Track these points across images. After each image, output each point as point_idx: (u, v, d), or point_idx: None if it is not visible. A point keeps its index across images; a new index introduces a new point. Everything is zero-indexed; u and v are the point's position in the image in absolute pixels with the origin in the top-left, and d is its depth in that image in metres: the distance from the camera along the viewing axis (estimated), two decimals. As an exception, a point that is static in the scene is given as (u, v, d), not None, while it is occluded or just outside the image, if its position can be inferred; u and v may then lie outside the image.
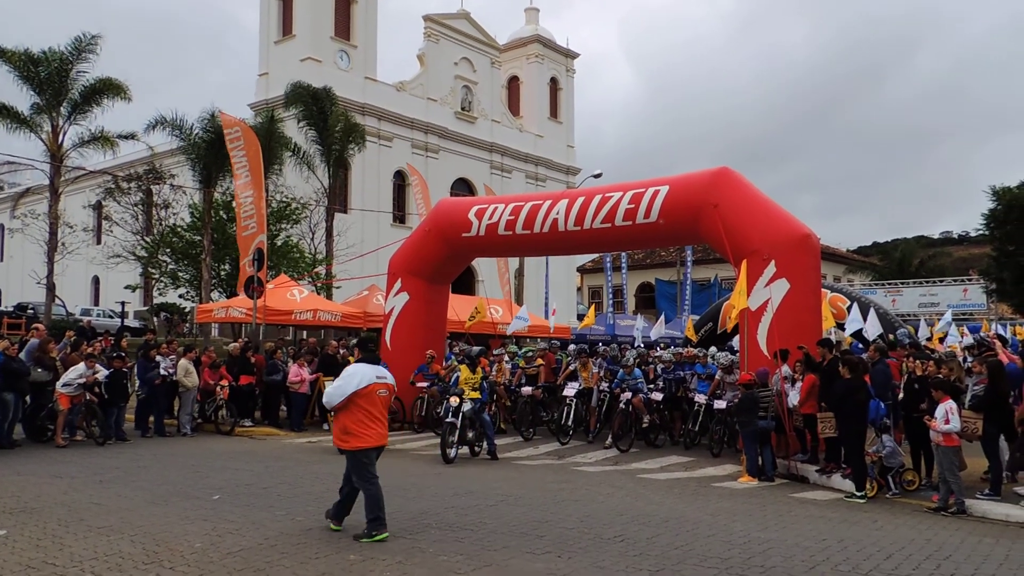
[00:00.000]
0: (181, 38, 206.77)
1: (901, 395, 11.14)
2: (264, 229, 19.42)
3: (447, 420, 11.93)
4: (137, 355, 15.23)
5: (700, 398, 13.74)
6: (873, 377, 10.74)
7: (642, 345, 22.40)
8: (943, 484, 9.13)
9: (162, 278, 30.10)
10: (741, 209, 12.86)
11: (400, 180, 43.00)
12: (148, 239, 31.44)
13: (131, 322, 34.55)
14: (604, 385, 14.76)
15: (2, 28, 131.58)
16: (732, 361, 13.42)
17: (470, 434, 12.12)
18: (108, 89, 25.99)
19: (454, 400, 11.99)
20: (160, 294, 32.24)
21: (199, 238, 27.66)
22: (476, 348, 13.96)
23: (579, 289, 61.13)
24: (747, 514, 8.54)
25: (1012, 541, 7.63)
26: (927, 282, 43.61)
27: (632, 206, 13.81)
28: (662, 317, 28.92)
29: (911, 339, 15.64)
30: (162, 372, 14.40)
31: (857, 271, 57.31)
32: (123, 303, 34.49)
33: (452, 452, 11.68)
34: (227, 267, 27.85)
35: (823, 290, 15.58)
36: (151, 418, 14.51)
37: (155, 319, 33.87)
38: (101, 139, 26.77)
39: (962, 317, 35.39)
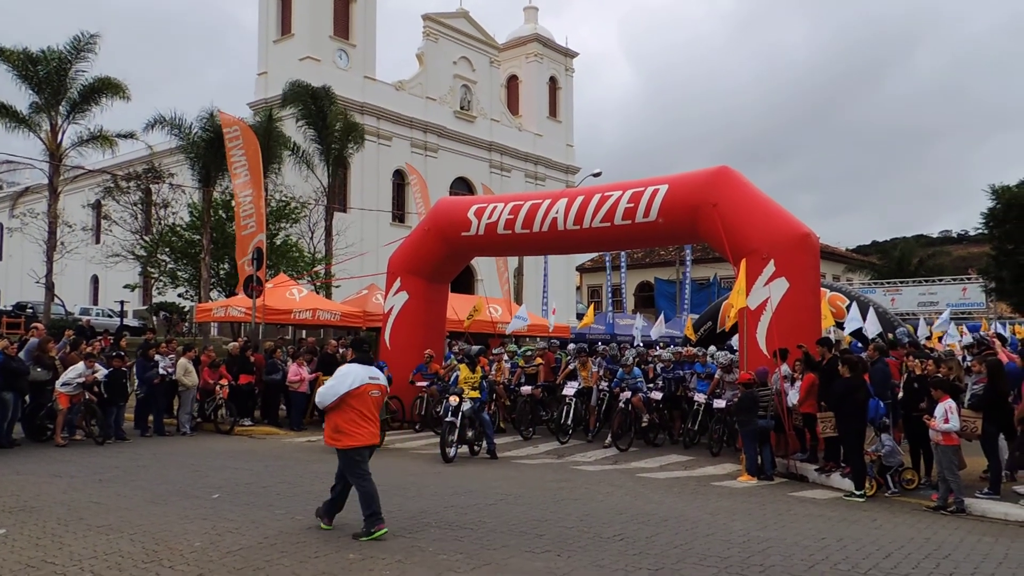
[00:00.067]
0: (180, 37, 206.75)
1: (900, 394, 11.15)
2: (263, 228, 19.41)
3: (447, 419, 11.93)
4: (136, 354, 15.22)
5: (699, 397, 13.75)
6: (872, 376, 10.75)
7: (641, 344, 22.41)
8: (942, 483, 9.14)
9: (161, 277, 30.08)
10: (740, 208, 12.86)
11: (399, 179, 43.01)
12: (147, 238, 31.43)
13: (130, 321, 34.55)
14: (603, 384, 14.77)
15: (2, 28, 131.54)
16: (731, 360, 13.43)
17: (469, 433, 12.13)
18: (107, 88, 25.97)
19: (454, 399, 11.99)
20: (159, 293, 32.24)
21: (198, 237, 27.65)
22: (475, 347, 13.96)
23: (578, 288, 61.16)
24: (746, 513, 8.55)
25: (1011, 540, 7.63)
26: (926, 281, 43.64)
27: (631, 205, 13.82)
28: (661, 316, 28.94)
29: (910, 338, 15.65)
30: (161, 371, 14.40)
31: (856, 270, 57.34)
32: (122, 302, 34.49)
33: (452, 451, 11.68)
34: (226, 266, 27.83)
35: (822, 289, 15.59)
36: (150, 417, 14.50)
37: (154, 318, 33.86)
38: (100, 138, 26.75)
39: (961, 316, 35.44)
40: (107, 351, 14.67)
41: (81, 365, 12.94)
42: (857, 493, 9.63)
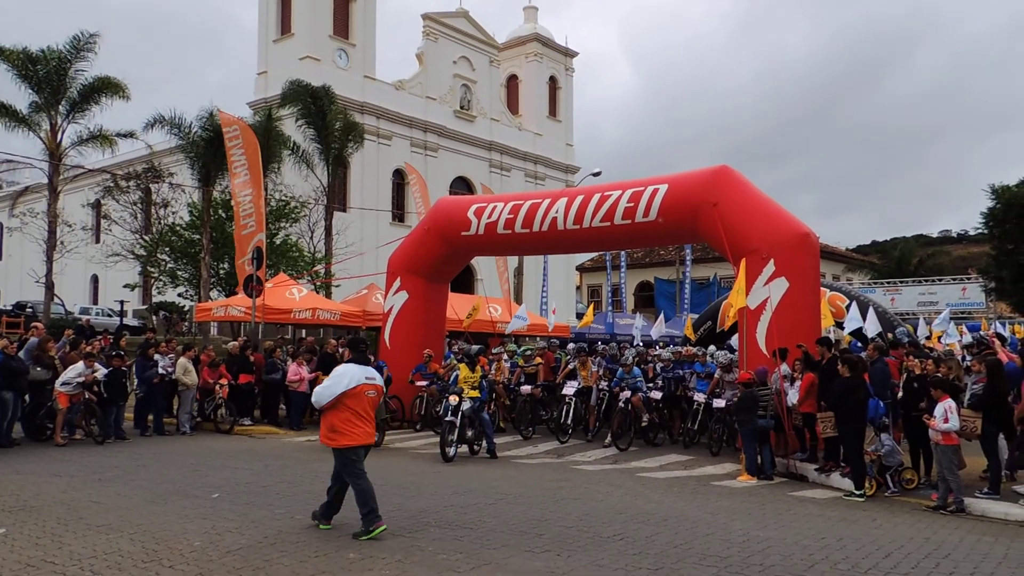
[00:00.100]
0: (180, 37, 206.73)
1: (900, 394, 11.15)
2: (263, 228, 19.41)
3: (446, 419, 11.93)
4: (136, 354, 15.22)
5: (699, 397, 13.75)
6: (872, 376, 10.75)
7: (641, 344, 22.41)
8: (942, 483, 9.14)
9: (161, 277, 30.08)
10: (740, 208, 12.86)
11: (399, 179, 43.00)
12: (147, 238, 31.42)
13: (130, 321, 34.54)
14: (603, 384, 14.77)
15: (2, 28, 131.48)
16: (731, 360, 13.43)
17: (469, 433, 12.13)
18: (106, 88, 25.97)
19: (453, 399, 11.99)
20: (159, 293, 32.23)
21: (198, 237, 27.65)
22: (475, 347, 13.96)
23: (578, 288, 61.16)
24: (746, 512, 8.55)
25: (1011, 539, 7.63)
26: (926, 281, 43.66)
27: (631, 205, 13.81)
28: (662, 316, 28.94)
29: (910, 338, 15.65)
30: (160, 371, 14.40)
31: (856, 270, 57.37)
32: (122, 302, 34.48)
33: (451, 451, 11.68)
34: (226, 266, 27.83)
35: (822, 289, 15.58)
36: (150, 417, 14.49)
37: (154, 318, 33.85)
38: (100, 138, 26.76)
39: (961, 316, 35.44)
40: (107, 351, 14.67)
41: (81, 364, 12.94)
42: (857, 493, 9.63)
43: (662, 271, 49.77)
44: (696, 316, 24.63)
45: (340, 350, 16.34)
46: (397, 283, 16.87)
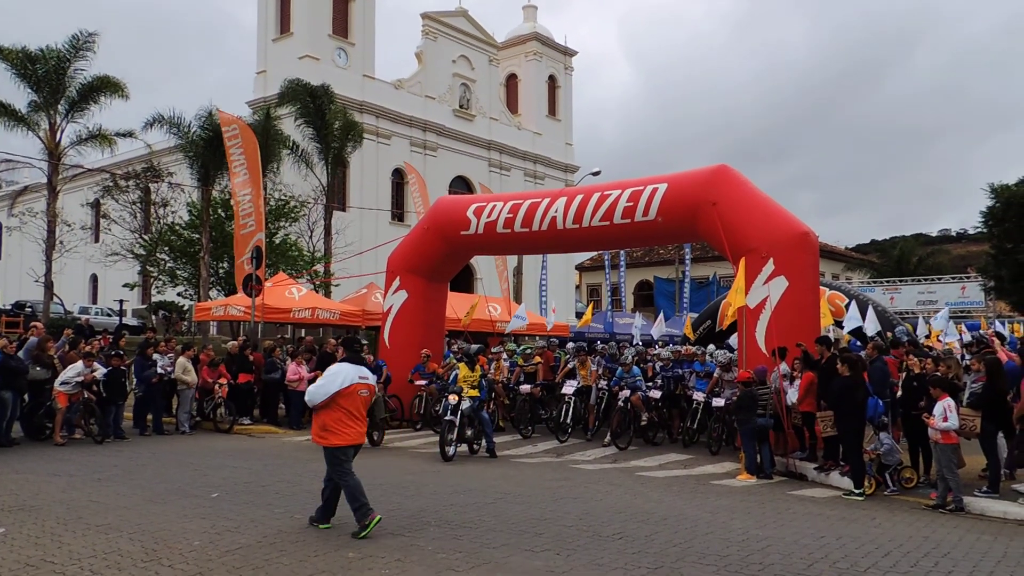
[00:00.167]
0: (179, 36, 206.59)
1: (899, 393, 11.15)
2: (262, 227, 19.40)
3: (446, 418, 11.93)
4: (135, 353, 15.22)
5: (699, 396, 13.74)
6: (871, 375, 10.75)
7: (640, 343, 22.41)
8: (941, 481, 9.14)
9: (160, 276, 30.06)
10: (740, 207, 12.86)
11: (399, 178, 42.98)
12: (146, 237, 31.41)
13: (129, 320, 34.52)
14: (603, 383, 14.77)
15: (1, 27, 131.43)
16: (730, 359, 13.43)
17: (469, 432, 12.13)
18: (106, 87, 25.96)
19: (453, 398, 11.99)
20: (158, 292, 32.21)
21: (197, 236, 27.64)
22: (475, 346, 13.96)
23: (577, 287, 61.16)
24: (745, 512, 8.55)
25: (1010, 538, 7.64)
26: (925, 280, 43.68)
27: (631, 204, 13.82)
28: (661, 315, 28.95)
29: (909, 337, 15.66)
30: (159, 370, 14.40)
31: (855, 269, 57.43)
32: (121, 301, 34.44)
33: (451, 450, 11.69)
34: (225, 265, 27.82)
35: (821, 288, 15.58)
36: (149, 416, 14.49)
37: (153, 317, 33.84)
38: (99, 137, 26.75)
39: (960, 315, 35.46)
40: (106, 350, 14.68)
41: (80, 364, 12.94)
42: (856, 492, 9.64)
43: (661, 270, 49.79)
44: (695, 315, 24.63)
45: (340, 349, 16.35)
46: (396, 282, 16.87)
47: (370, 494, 8.53)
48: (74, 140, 26.73)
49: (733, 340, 16.97)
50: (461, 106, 47.50)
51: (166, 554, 6.21)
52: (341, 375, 7.09)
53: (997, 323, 28.62)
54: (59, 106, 25.83)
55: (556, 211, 14.74)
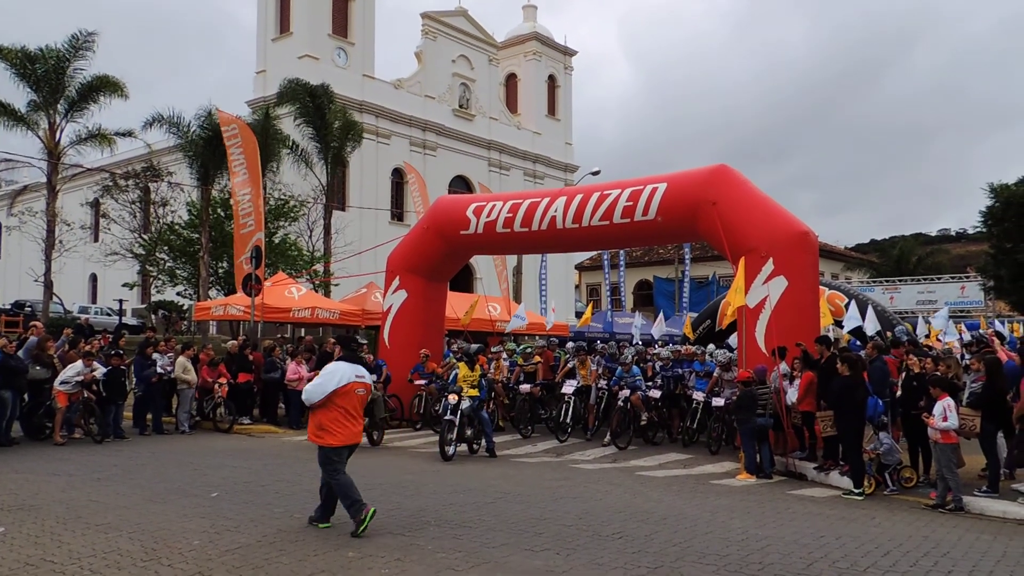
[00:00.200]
0: (179, 36, 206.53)
1: (899, 392, 11.15)
2: (262, 227, 19.40)
3: (446, 418, 11.93)
4: (135, 353, 15.22)
5: (698, 396, 13.74)
6: (871, 374, 10.74)
7: (640, 342, 22.42)
8: (941, 481, 9.14)
9: (160, 276, 30.06)
10: (739, 206, 12.87)
11: (398, 177, 42.97)
12: (146, 237, 31.41)
13: (129, 320, 34.52)
14: (602, 383, 14.78)
15: (1, 27, 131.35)
16: (730, 359, 13.43)
17: (468, 432, 12.13)
18: (105, 86, 25.96)
19: (453, 398, 11.99)
20: (158, 292, 32.21)
21: (197, 236, 27.63)
22: (474, 346, 13.97)
23: (577, 287, 61.15)
24: (745, 511, 8.55)
25: (1009, 537, 7.64)
26: (925, 279, 43.68)
27: (630, 203, 13.82)
28: (661, 315, 28.96)
29: (909, 336, 15.66)
30: (159, 370, 14.40)
31: (855, 268, 57.43)
32: (121, 301, 34.45)
33: (451, 449, 11.69)
34: (225, 265, 27.83)
35: (821, 287, 15.59)
36: (149, 416, 14.49)
37: (153, 317, 33.85)
38: (98, 136, 26.76)
39: (960, 314, 35.46)
40: (105, 350, 14.68)
41: (79, 363, 12.94)
42: (856, 491, 9.64)
43: (661, 270, 49.79)
44: (695, 315, 24.64)
45: (337, 348, 16.35)
46: (396, 282, 16.87)
47: (370, 494, 8.54)
48: (73, 139, 26.76)
49: (733, 340, 16.97)
50: (461, 106, 47.49)
51: (166, 553, 6.21)
52: (338, 374, 7.11)
53: (997, 322, 28.61)
54: (58, 105, 25.84)
55: (556, 211, 14.74)
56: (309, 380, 15.22)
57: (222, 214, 27.86)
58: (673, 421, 14.86)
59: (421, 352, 15.89)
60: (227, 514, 7.63)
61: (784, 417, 11.42)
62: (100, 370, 13.38)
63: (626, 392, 13.80)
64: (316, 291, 24.96)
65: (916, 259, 53.62)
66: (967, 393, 9.73)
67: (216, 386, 14.90)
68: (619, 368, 14.32)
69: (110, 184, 32.20)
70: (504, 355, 16.94)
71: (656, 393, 14.23)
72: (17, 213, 34.90)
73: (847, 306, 18.20)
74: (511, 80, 53.55)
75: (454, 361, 14.52)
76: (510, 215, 15.34)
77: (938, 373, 10.12)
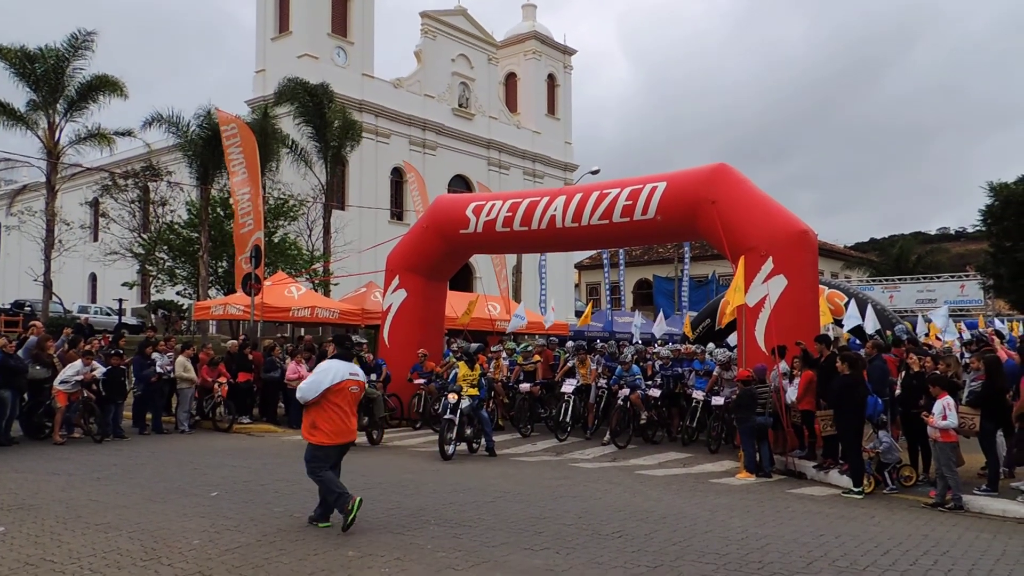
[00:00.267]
0: (179, 36, 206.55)
1: (898, 391, 11.16)
2: (261, 226, 19.39)
3: (445, 417, 11.93)
4: (134, 352, 15.22)
5: (698, 394, 13.75)
6: (870, 373, 10.74)
7: (640, 341, 22.43)
8: (940, 480, 9.15)
9: (159, 275, 30.06)
10: (739, 205, 12.86)
11: (398, 177, 42.96)
12: (145, 236, 31.38)
13: (128, 319, 34.50)
14: (602, 382, 14.78)
15: (1, 26, 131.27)
16: (730, 357, 13.43)
17: (468, 431, 12.13)
18: (104, 86, 25.95)
19: (452, 397, 11.99)
20: (157, 291, 32.20)
21: (196, 235, 27.62)
22: (474, 345, 13.97)
23: (577, 286, 61.13)
24: (745, 510, 8.56)
25: (1009, 536, 7.64)
26: (924, 278, 43.67)
27: (630, 203, 13.82)
28: (661, 314, 28.96)
29: (908, 335, 15.67)
30: (158, 369, 14.39)
31: (855, 267, 57.43)
32: (120, 300, 34.45)
33: (450, 449, 11.68)
34: (224, 264, 27.83)
35: (820, 286, 15.59)
36: (148, 415, 14.49)
37: (153, 316, 33.84)
38: (98, 136, 26.74)
39: (960, 313, 35.47)
40: (105, 349, 14.68)
41: (79, 363, 12.93)
42: (855, 490, 9.64)
43: (661, 269, 49.76)
44: (694, 314, 24.64)
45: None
46: (396, 281, 16.87)
47: (369, 492, 8.56)
48: (73, 139, 26.75)
49: (732, 338, 16.99)
50: (460, 105, 47.47)
51: (165, 553, 6.21)
52: (332, 371, 7.15)
53: (996, 321, 28.61)
54: (58, 105, 25.82)
55: (555, 210, 14.74)
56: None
57: (221, 213, 27.85)
58: (673, 420, 14.87)
59: (419, 352, 15.89)
60: (227, 513, 7.63)
61: (784, 416, 11.42)
62: (100, 370, 13.38)
63: (626, 391, 13.80)
64: (316, 290, 24.96)
65: (916, 258, 53.62)
66: (966, 392, 9.73)
67: (216, 385, 14.90)
68: (619, 367, 14.33)
69: (109, 184, 32.17)
70: (504, 354, 16.94)
71: (656, 392, 14.23)
72: (16, 213, 34.85)
73: (847, 305, 18.21)
74: (510, 79, 53.53)
75: (454, 360, 14.52)
76: (510, 214, 15.34)
77: (938, 372, 10.12)
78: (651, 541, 6.94)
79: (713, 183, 13.13)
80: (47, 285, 26.97)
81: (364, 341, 16.09)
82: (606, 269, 43.26)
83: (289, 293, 19.98)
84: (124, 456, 11.50)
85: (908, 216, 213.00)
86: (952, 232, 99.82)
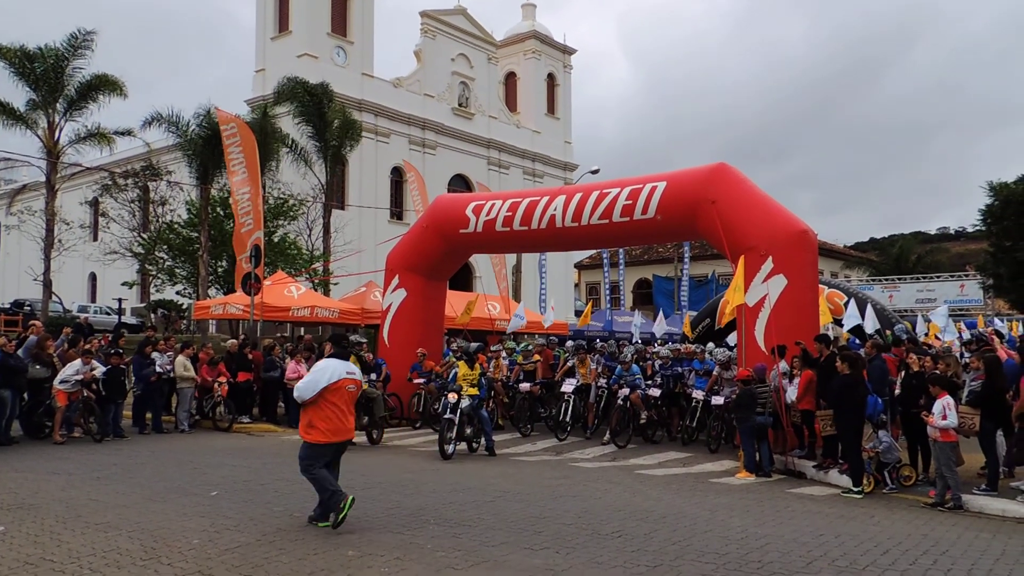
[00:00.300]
0: (178, 35, 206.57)
1: (898, 391, 11.16)
2: (261, 225, 19.37)
3: (445, 416, 11.93)
4: (134, 352, 15.21)
5: (698, 394, 13.75)
6: (870, 373, 10.73)
7: (639, 341, 22.43)
8: (940, 479, 9.15)
9: (159, 275, 30.06)
10: (739, 205, 12.86)
11: (398, 176, 42.96)
12: (145, 236, 31.38)
13: (128, 319, 34.50)
14: (602, 381, 14.78)
15: (1, 26, 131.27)
16: (730, 357, 13.44)
17: (468, 430, 12.13)
18: (104, 85, 25.93)
19: (452, 396, 11.99)
20: (157, 291, 32.21)
21: (196, 235, 27.62)
22: (474, 344, 13.97)
23: (576, 285, 61.13)
24: (744, 510, 8.56)
25: (1008, 536, 7.64)
26: (924, 278, 43.67)
27: (630, 202, 13.81)
28: (661, 314, 28.96)
29: (908, 335, 15.66)
30: (158, 369, 14.40)
31: (854, 267, 57.44)
32: (120, 300, 34.46)
33: (450, 448, 11.68)
34: (224, 264, 27.84)
35: (820, 286, 15.59)
36: (148, 415, 14.49)
37: (152, 316, 33.84)
38: (97, 136, 26.73)
39: (959, 313, 35.49)
40: (105, 349, 14.67)
41: (78, 362, 12.93)
42: (855, 490, 9.64)
43: (660, 268, 49.75)
44: (694, 313, 24.63)
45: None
46: (395, 281, 16.87)
47: (369, 492, 8.57)
48: (73, 138, 26.73)
49: (732, 338, 16.99)
50: (460, 104, 47.47)
51: (165, 552, 6.21)
52: (328, 370, 7.18)
53: (996, 321, 28.61)
54: (57, 104, 25.80)
55: (555, 209, 14.73)
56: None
57: (221, 213, 27.84)
58: (672, 420, 14.87)
59: (418, 351, 15.90)
60: (227, 513, 7.63)
61: (783, 415, 11.42)
62: (99, 369, 13.38)
63: (625, 391, 13.80)
64: (315, 290, 24.95)
65: (915, 257, 53.63)
66: (966, 391, 9.73)
67: (216, 385, 14.90)
68: (618, 367, 14.32)
69: (109, 183, 32.18)
70: (504, 354, 16.94)
71: (655, 392, 14.23)
72: (16, 212, 34.86)
73: (846, 304, 18.20)
74: (510, 79, 53.52)
75: (453, 360, 14.52)
76: (509, 214, 15.34)
77: (937, 371, 10.12)
78: (651, 541, 6.94)
79: (713, 183, 13.13)
80: (47, 285, 26.97)
81: (364, 340, 16.08)
82: (606, 269, 43.26)
83: (289, 293, 19.97)
84: (124, 456, 11.50)
85: (908, 216, 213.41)
86: (952, 232, 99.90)
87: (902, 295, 41.20)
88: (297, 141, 29.23)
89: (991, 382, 9.44)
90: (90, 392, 13.12)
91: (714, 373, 13.66)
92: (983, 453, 9.67)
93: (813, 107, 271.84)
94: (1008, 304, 38.02)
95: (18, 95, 25.55)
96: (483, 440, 12.42)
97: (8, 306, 33.97)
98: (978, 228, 40.84)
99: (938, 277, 43.52)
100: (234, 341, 16.94)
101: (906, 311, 35.51)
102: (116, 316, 33.51)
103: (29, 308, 31.54)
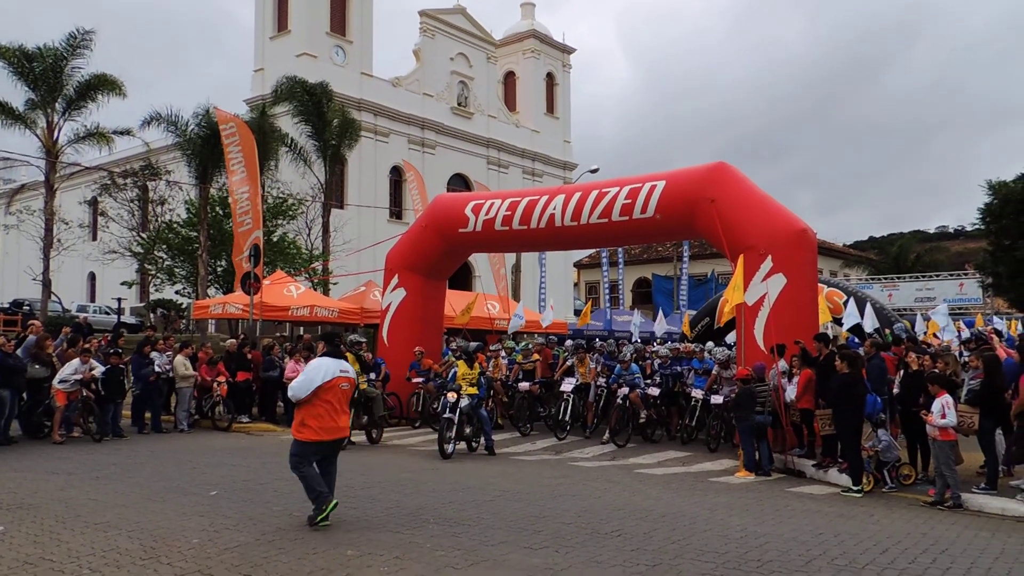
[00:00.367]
0: (178, 35, 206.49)
1: (897, 390, 11.16)
2: (260, 225, 19.37)
3: (444, 416, 11.93)
4: (133, 351, 15.21)
5: (697, 393, 13.75)
6: (869, 372, 10.75)
7: (639, 340, 22.43)
8: (939, 478, 9.15)
9: (158, 274, 30.06)
10: (738, 204, 12.86)
11: (397, 175, 42.95)
12: (144, 235, 31.38)
13: (127, 318, 34.48)
14: (601, 380, 14.78)
15: (0, 26, 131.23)
16: (729, 356, 13.44)
17: (467, 429, 12.13)
18: (103, 85, 25.92)
19: (451, 396, 11.99)
20: (156, 290, 32.22)
21: (195, 234, 27.62)
22: (473, 344, 13.97)
23: (576, 284, 61.13)
24: (744, 509, 8.56)
25: (1008, 534, 7.65)
26: (923, 276, 43.68)
27: (629, 201, 13.81)
28: (660, 313, 28.95)
29: (907, 334, 15.67)
30: (156, 368, 14.39)
31: (854, 266, 57.45)
32: (119, 299, 34.45)
33: (449, 447, 11.69)
34: (223, 263, 27.83)
35: (819, 285, 15.60)
36: (148, 414, 14.49)
37: (152, 315, 33.83)
38: (96, 135, 26.72)
39: (959, 312, 35.50)
40: (104, 348, 14.67)
41: (77, 362, 12.92)
42: (854, 489, 9.64)
43: (660, 267, 49.75)
44: (693, 312, 24.63)
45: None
46: (395, 280, 16.87)
47: (368, 492, 8.57)
48: (72, 138, 26.72)
49: (731, 337, 16.99)
50: (459, 104, 47.47)
51: (165, 552, 6.21)
52: (322, 369, 7.20)
53: (995, 319, 28.62)
54: (56, 104, 25.79)
55: (554, 208, 14.73)
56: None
57: (220, 212, 27.84)
58: (672, 419, 14.87)
59: (415, 350, 15.90)
60: (226, 512, 7.63)
61: (783, 414, 11.42)
62: (99, 369, 13.37)
63: (625, 390, 13.81)
64: (315, 289, 24.95)
65: (915, 256, 53.63)
66: (965, 390, 9.73)
67: (215, 385, 14.90)
68: (618, 366, 14.33)
69: (108, 183, 32.17)
70: (503, 353, 16.94)
71: (655, 391, 14.23)
72: (15, 212, 34.85)
73: (846, 303, 18.21)
74: (509, 78, 53.53)
75: (453, 359, 14.51)
76: (509, 213, 15.34)
77: (936, 370, 10.12)
78: (650, 540, 6.94)
79: (712, 182, 13.13)
80: (46, 284, 26.96)
81: (363, 340, 16.08)
82: (605, 268, 43.27)
83: (288, 292, 19.97)
84: (123, 455, 11.50)
85: (907, 214, 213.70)
86: (951, 230, 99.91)
87: (901, 294, 41.21)
88: (296, 140, 29.23)
89: (990, 381, 9.44)
90: (89, 392, 13.11)
91: (713, 372, 13.67)
92: (982, 452, 9.67)
93: (813, 106, 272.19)
94: (1007, 303, 38.05)
95: (17, 95, 25.60)
96: (482, 439, 12.42)
97: (7, 306, 33.94)
98: (977, 227, 40.86)
99: (937, 276, 43.53)
100: (233, 341, 16.94)
101: (905, 310, 35.52)
102: (115, 316, 33.48)
103: (28, 308, 31.53)
